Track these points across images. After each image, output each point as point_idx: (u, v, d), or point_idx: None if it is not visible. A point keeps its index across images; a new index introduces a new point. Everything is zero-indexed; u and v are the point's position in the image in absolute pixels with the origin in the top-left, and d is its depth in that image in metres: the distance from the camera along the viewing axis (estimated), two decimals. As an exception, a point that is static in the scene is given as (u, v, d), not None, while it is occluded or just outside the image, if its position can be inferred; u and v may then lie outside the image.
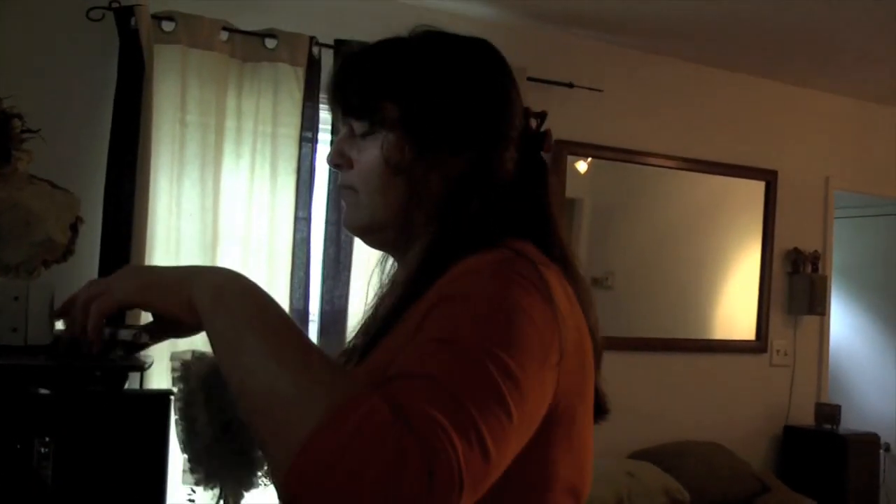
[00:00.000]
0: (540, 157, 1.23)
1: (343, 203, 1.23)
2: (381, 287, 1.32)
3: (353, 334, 1.30)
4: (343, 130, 1.21)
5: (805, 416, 5.13)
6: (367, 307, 1.32)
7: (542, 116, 1.24)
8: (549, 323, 1.00)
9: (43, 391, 1.15)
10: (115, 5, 3.34)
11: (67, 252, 1.41)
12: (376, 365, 1.02)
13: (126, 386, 1.16)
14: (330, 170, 3.81)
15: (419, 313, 1.01)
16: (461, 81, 1.17)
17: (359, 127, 1.18)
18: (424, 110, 1.15)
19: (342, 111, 1.20)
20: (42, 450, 1.12)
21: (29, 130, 1.35)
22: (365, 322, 1.28)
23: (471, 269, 1.03)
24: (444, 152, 1.15)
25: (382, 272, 1.34)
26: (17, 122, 1.34)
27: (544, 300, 1.01)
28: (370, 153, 1.16)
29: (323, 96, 3.72)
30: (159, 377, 3.28)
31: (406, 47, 1.19)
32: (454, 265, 1.06)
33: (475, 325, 0.94)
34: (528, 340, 0.96)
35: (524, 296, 0.99)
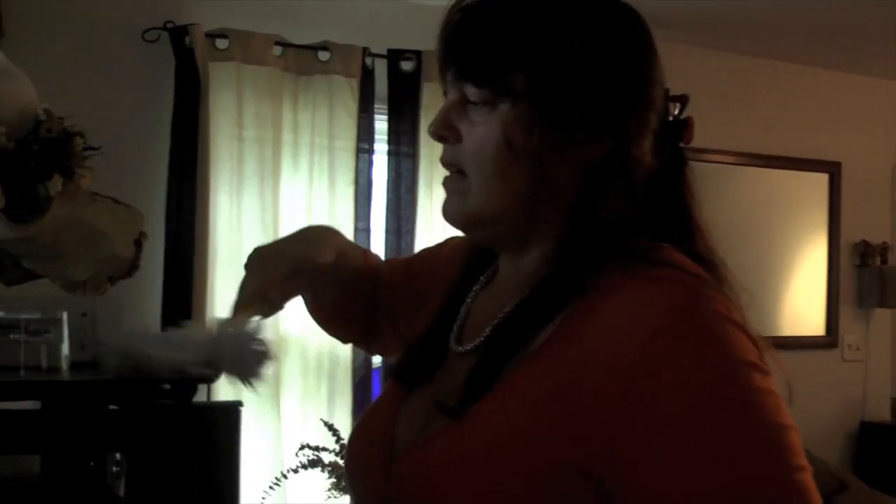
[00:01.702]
0: (680, 149, 1.06)
1: (444, 188, 1.04)
2: (476, 286, 1.12)
3: (430, 327, 1.13)
4: (452, 96, 1.01)
5: (881, 412, 5.02)
6: (448, 290, 1.15)
7: (683, 101, 1.06)
8: (775, 388, 0.88)
9: (113, 407, 1.15)
10: (169, 25, 3.38)
11: (132, 267, 1.41)
12: (508, 404, 0.92)
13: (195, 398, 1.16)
14: (387, 180, 3.83)
15: (582, 367, 0.88)
16: (603, 52, 0.97)
17: (475, 94, 0.97)
18: (560, 82, 0.95)
19: (457, 73, 0.99)
20: (115, 468, 1.11)
21: (90, 148, 1.36)
22: (458, 319, 1.10)
23: (657, 341, 0.85)
24: (579, 136, 0.96)
25: (475, 267, 1.14)
26: (78, 140, 1.34)
27: (755, 342, 0.90)
28: (487, 128, 0.97)
29: (378, 106, 3.73)
30: (225, 388, 3.30)
31: (543, 6, 0.98)
32: (603, 284, 0.92)
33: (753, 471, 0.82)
34: (794, 444, 0.86)
35: (757, 376, 0.86)
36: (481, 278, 1.12)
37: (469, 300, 1.11)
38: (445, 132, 1.01)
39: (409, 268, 1.35)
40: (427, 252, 1.38)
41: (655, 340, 0.85)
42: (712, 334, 0.86)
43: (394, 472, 1.01)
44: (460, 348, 1.05)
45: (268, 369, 1.07)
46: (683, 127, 1.06)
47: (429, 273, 1.26)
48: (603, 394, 0.86)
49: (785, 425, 0.85)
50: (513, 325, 0.97)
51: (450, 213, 1.03)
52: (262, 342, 1.06)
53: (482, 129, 0.97)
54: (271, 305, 1.19)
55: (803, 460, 0.85)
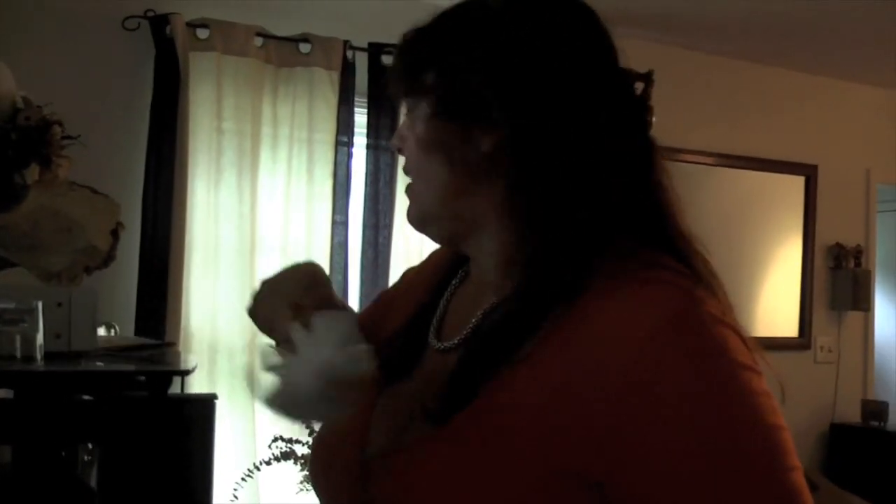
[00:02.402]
0: (646, 129, 1.02)
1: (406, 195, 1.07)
2: (454, 281, 1.11)
3: (397, 301, 1.16)
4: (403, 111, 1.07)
5: (851, 414, 5.06)
6: (424, 281, 1.15)
7: (647, 78, 1.03)
8: (768, 389, 0.88)
9: (87, 397, 1.15)
10: (150, 14, 3.36)
11: (109, 258, 1.41)
12: (499, 410, 0.89)
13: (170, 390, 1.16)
14: (366, 174, 3.82)
15: (565, 378, 0.86)
16: (505, 34, 0.96)
17: (407, 104, 1.03)
18: (455, 69, 0.96)
19: (393, 88, 1.04)
20: (86, 457, 1.11)
21: (69, 137, 1.35)
22: (437, 314, 1.08)
23: (655, 345, 0.84)
24: (477, 123, 0.95)
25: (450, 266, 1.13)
26: (56, 129, 1.34)
27: (746, 343, 0.90)
28: (412, 132, 1.01)
29: (359, 100, 3.72)
30: (200, 382, 3.29)
31: (460, 11, 1.01)
32: (592, 286, 0.90)
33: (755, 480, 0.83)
34: (788, 445, 0.86)
35: (753, 378, 0.87)
36: (460, 273, 1.11)
37: (446, 297, 1.09)
38: (398, 143, 1.05)
39: (384, 298, 1.30)
40: (409, 271, 1.32)
41: (652, 344, 0.84)
42: (708, 337, 0.86)
43: (372, 477, 0.97)
44: (439, 344, 1.03)
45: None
46: (644, 107, 1.02)
47: (412, 286, 1.21)
48: (600, 400, 0.84)
49: (779, 426, 0.86)
50: (497, 329, 0.94)
51: (407, 215, 1.06)
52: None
53: (409, 131, 1.02)
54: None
55: (796, 460, 0.86)
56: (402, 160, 1.07)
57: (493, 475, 0.87)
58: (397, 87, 1.03)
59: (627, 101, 1.01)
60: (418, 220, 1.04)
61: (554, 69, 0.95)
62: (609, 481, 0.85)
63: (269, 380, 0.91)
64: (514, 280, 0.96)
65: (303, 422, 0.92)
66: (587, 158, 0.94)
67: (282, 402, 0.91)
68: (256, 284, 1.15)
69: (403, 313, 1.13)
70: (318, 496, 1.09)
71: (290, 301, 1.06)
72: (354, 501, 0.98)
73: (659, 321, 0.85)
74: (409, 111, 1.02)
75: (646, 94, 1.02)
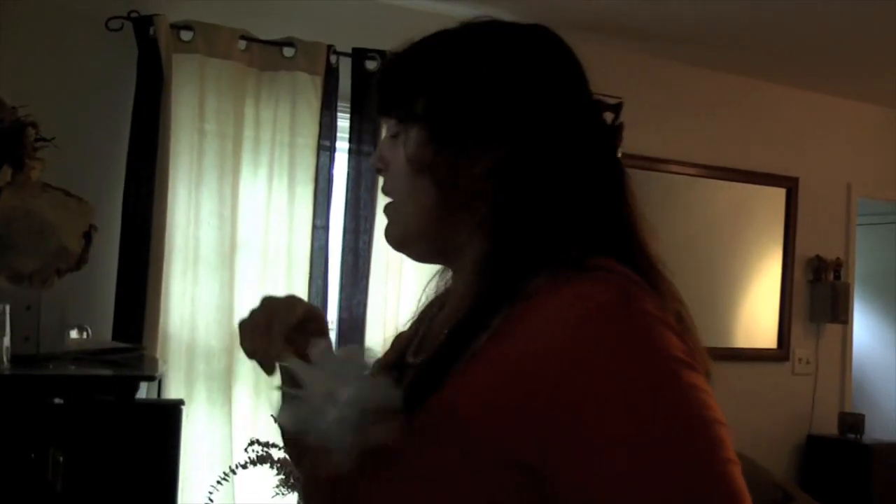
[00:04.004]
0: (615, 155, 1.07)
1: (384, 214, 1.12)
2: (435, 297, 1.20)
3: (394, 342, 1.22)
4: (384, 132, 1.12)
5: (828, 426, 5.08)
6: (414, 317, 1.22)
7: (617, 109, 1.08)
8: (701, 382, 0.90)
9: (57, 401, 1.15)
10: (133, 15, 3.35)
11: (81, 261, 1.40)
12: (453, 402, 0.94)
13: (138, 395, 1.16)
14: (347, 179, 3.82)
15: (516, 360, 0.91)
16: (492, 68, 1.03)
17: (392, 126, 1.08)
18: (447, 99, 1.03)
19: (379, 110, 1.10)
20: (60, 458, 1.11)
21: (42, 139, 1.35)
22: (418, 336, 1.16)
23: (586, 329, 0.88)
24: (470, 148, 1.02)
25: (443, 281, 1.20)
26: (30, 131, 1.34)
27: (684, 339, 0.92)
28: (399, 154, 1.06)
29: (341, 105, 3.73)
30: (177, 385, 3.28)
31: (446, 38, 1.07)
32: (536, 289, 0.95)
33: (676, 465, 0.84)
34: (719, 435, 0.87)
35: (683, 370, 0.88)
36: (439, 302, 1.18)
37: (427, 323, 1.17)
38: (378, 164, 1.10)
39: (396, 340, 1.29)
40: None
41: (580, 332, 0.89)
42: (638, 329, 0.89)
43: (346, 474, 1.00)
44: (414, 360, 1.10)
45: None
46: (615, 133, 1.07)
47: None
48: (536, 384, 0.88)
49: (712, 419, 0.88)
50: (455, 334, 1.00)
51: (386, 235, 1.11)
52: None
53: (397, 155, 1.06)
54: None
55: (731, 453, 0.87)
56: (381, 180, 1.12)
57: (447, 463, 0.93)
58: (384, 111, 1.09)
59: (600, 129, 1.07)
60: (399, 239, 1.10)
61: (539, 98, 1.03)
62: (542, 466, 0.88)
63: (296, 415, 0.93)
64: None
65: (336, 458, 0.91)
66: (564, 181, 1.02)
67: (315, 436, 0.92)
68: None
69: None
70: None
71: (285, 333, 1.10)
72: (329, 495, 1.05)
73: (590, 310, 0.90)
74: (395, 135, 1.07)
75: (615, 123, 1.08)
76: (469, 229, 1.04)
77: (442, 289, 1.20)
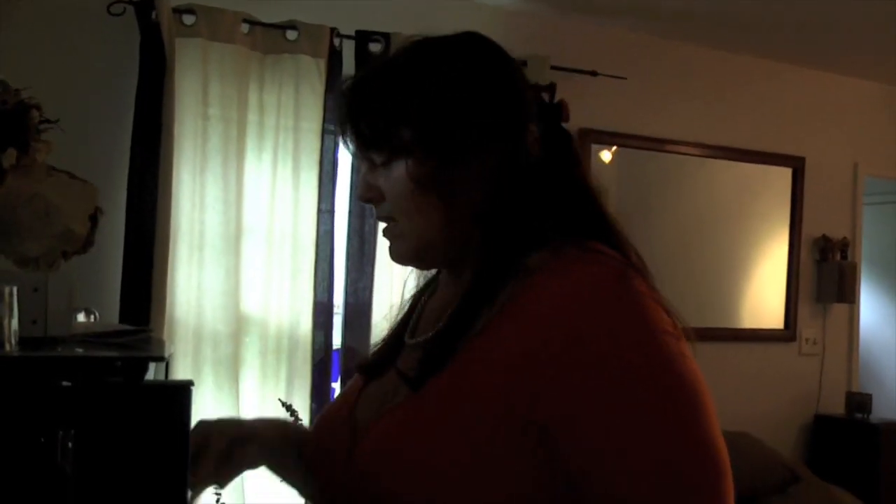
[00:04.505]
0: (562, 128, 1.21)
1: (385, 237, 1.21)
2: (423, 285, 1.33)
3: (389, 331, 1.31)
4: (363, 165, 1.20)
5: (836, 406, 5.08)
6: (404, 304, 1.33)
7: (550, 89, 1.25)
8: (688, 352, 1.05)
9: (66, 383, 1.14)
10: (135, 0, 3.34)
11: (87, 243, 1.39)
12: (466, 373, 1.06)
13: (147, 377, 1.15)
14: (353, 163, 3.81)
15: (519, 339, 1.04)
16: (463, 84, 1.14)
17: (378, 157, 1.16)
18: (436, 124, 1.13)
19: (358, 146, 1.18)
20: (69, 444, 1.11)
21: (47, 121, 1.34)
22: (412, 320, 1.27)
23: (590, 308, 1.03)
24: (468, 157, 1.14)
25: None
26: (35, 113, 1.33)
27: (670, 314, 1.06)
28: (396, 179, 1.15)
29: (345, 88, 3.70)
30: (184, 370, 3.28)
31: (401, 66, 1.17)
32: (538, 265, 1.08)
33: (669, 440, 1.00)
34: (704, 402, 1.03)
35: (672, 341, 1.03)
36: (431, 286, 1.30)
37: (420, 305, 1.28)
38: (370, 194, 1.18)
39: None
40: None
41: (588, 311, 1.02)
42: (634, 306, 1.03)
43: (356, 446, 1.15)
44: (413, 340, 1.22)
45: None
46: (559, 109, 1.21)
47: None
48: (546, 359, 1.01)
49: (694, 384, 1.02)
50: (460, 312, 1.11)
51: (396, 255, 1.21)
52: None
53: (394, 182, 1.15)
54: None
55: (710, 413, 1.02)
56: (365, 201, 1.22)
57: (459, 424, 1.04)
58: (367, 147, 1.16)
59: (546, 110, 1.21)
60: (412, 255, 1.20)
61: (502, 99, 1.16)
62: (551, 423, 1.01)
63: None
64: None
65: None
66: (536, 166, 1.16)
67: None
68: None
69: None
70: (315, 480, 1.26)
71: (211, 463, 1.27)
72: (344, 470, 1.15)
73: (594, 293, 1.03)
74: (383, 164, 1.15)
75: (554, 102, 1.25)
76: (470, 230, 1.15)
77: (425, 278, 1.33)
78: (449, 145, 1.13)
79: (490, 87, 1.15)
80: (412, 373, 1.11)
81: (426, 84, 1.14)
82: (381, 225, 1.22)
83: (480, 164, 1.13)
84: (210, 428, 1.31)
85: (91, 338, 1.32)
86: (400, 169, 1.14)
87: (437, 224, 1.15)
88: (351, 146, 1.19)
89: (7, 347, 1.10)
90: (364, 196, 1.19)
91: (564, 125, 1.22)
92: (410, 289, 1.35)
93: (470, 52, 1.18)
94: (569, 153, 1.20)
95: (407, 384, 1.11)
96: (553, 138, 1.19)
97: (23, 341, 1.16)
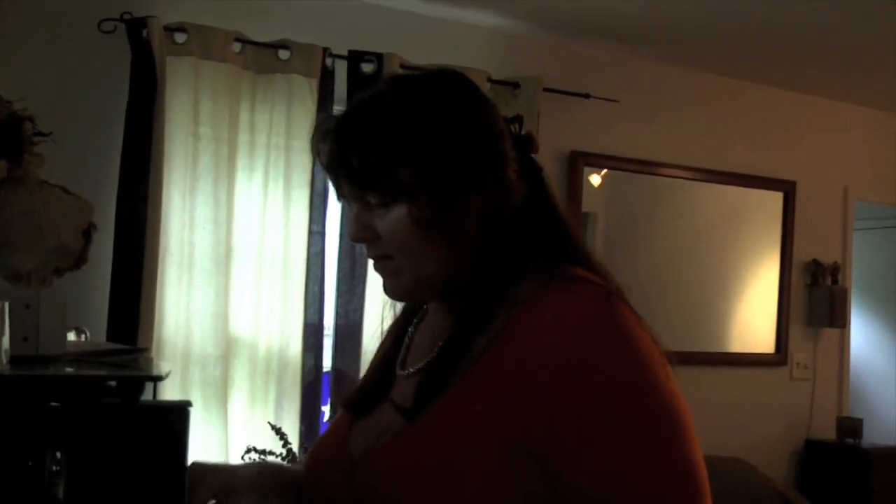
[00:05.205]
0: (532, 159, 1.23)
1: (379, 273, 1.21)
2: (404, 314, 1.32)
3: (376, 358, 1.31)
4: (355, 205, 1.18)
5: (827, 430, 5.05)
6: (385, 334, 1.33)
7: (518, 120, 1.23)
8: (672, 377, 1.08)
9: (54, 404, 1.10)
10: (126, 17, 3.31)
11: (80, 260, 1.36)
12: (463, 402, 1.08)
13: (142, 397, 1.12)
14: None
15: (512, 367, 1.06)
16: (456, 124, 1.15)
17: (373, 198, 1.15)
18: (436, 164, 1.13)
19: (355, 189, 1.16)
20: (54, 467, 1.07)
21: (40, 133, 1.31)
22: (401, 352, 1.27)
23: (580, 336, 1.05)
24: (466, 195, 1.14)
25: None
26: (28, 125, 1.29)
27: (651, 337, 1.10)
28: (395, 219, 1.14)
29: (337, 108, 3.69)
30: (172, 390, 3.23)
31: (390, 107, 1.16)
32: (528, 295, 1.10)
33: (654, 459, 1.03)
34: (688, 427, 1.06)
35: (659, 368, 1.07)
36: (413, 320, 1.30)
37: (408, 337, 1.28)
38: (366, 234, 1.17)
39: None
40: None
41: (577, 339, 1.05)
42: (621, 333, 1.06)
43: (355, 482, 1.15)
44: (404, 372, 1.22)
45: None
46: (529, 141, 1.22)
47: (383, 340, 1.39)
48: (540, 385, 1.03)
49: (679, 411, 1.06)
50: (453, 343, 1.13)
51: (393, 292, 1.21)
52: None
53: (392, 221, 1.14)
54: None
55: (692, 438, 1.06)
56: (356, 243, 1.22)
57: (458, 452, 1.05)
58: (362, 190, 1.15)
59: (518, 141, 1.22)
60: (411, 292, 1.20)
61: (488, 134, 1.17)
62: (548, 452, 1.03)
63: None
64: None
65: None
66: (519, 198, 1.17)
67: None
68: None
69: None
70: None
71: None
72: (345, 494, 1.16)
73: (584, 322, 1.06)
74: (379, 205, 1.14)
75: (522, 133, 1.23)
76: (468, 264, 1.15)
77: (405, 307, 1.32)
78: (449, 185, 1.13)
79: (480, 125, 1.17)
80: (408, 403, 1.12)
81: (422, 124, 1.14)
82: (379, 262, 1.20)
83: (478, 201, 1.14)
84: (202, 474, 1.28)
85: (84, 356, 1.28)
86: (400, 210, 1.13)
87: (438, 261, 1.15)
88: (343, 188, 1.17)
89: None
90: (357, 237, 1.18)
91: (535, 156, 1.24)
92: (388, 318, 1.34)
93: (456, 91, 1.19)
94: (541, 183, 1.21)
95: (403, 416, 1.12)
96: (526, 169, 1.20)
97: (14, 360, 1.12)
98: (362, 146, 1.14)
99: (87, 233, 1.36)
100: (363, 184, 1.14)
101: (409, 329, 1.29)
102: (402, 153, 1.13)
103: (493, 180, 1.15)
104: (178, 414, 1.06)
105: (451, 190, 1.13)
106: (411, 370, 1.20)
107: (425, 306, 1.30)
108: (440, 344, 1.15)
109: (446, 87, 1.19)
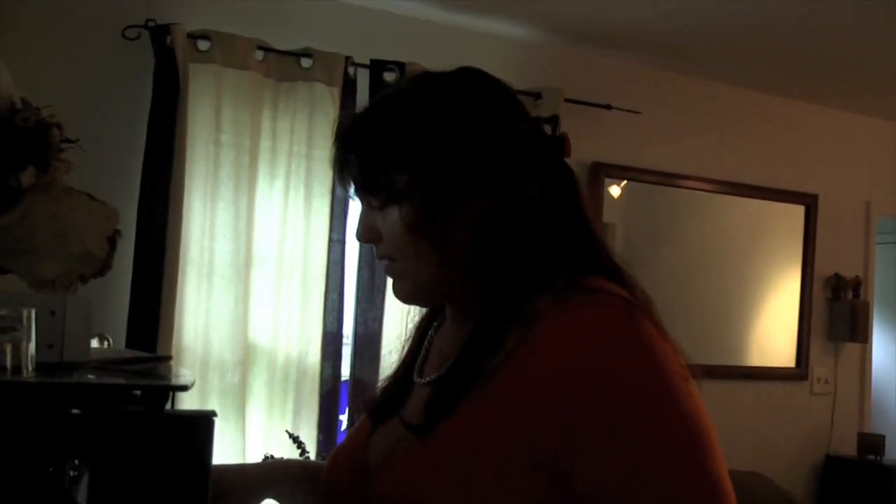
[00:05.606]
0: (563, 162, 1.20)
1: (387, 275, 1.22)
2: (428, 314, 1.32)
3: (397, 365, 1.30)
4: (363, 205, 1.20)
5: (847, 446, 5.01)
6: (409, 335, 1.32)
7: (553, 121, 1.23)
8: (696, 392, 1.06)
9: (81, 411, 1.09)
10: (150, 24, 3.32)
11: (105, 266, 1.36)
12: (481, 415, 1.07)
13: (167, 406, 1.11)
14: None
15: (529, 384, 1.04)
16: (457, 127, 1.13)
17: (374, 200, 1.16)
18: (430, 169, 1.12)
19: (359, 191, 1.18)
20: (72, 473, 1.06)
21: (68, 140, 1.31)
22: (420, 356, 1.26)
23: (599, 349, 1.03)
24: (461, 200, 1.13)
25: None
26: (55, 132, 1.29)
27: (674, 350, 1.07)
28: (393, 222, 1.14)
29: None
30: (191, 398, 3.23)
31: (396, 108, 1.16)
32: (544, 310, 1.07)
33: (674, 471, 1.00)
34: (711, 440, 1.03)
35: (680, 381, 1.04)
36: (434, 323, 1.29)
37: (426, 342, 1.28)
38: (371, 235, 1.18)
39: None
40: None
41: (596, 354, 1.03)
42: (643, 349, 1.04)
43: (370, 491, 1.15)
44: (421, 380, 1.22)
45: None
46: (561, 143, 1.19)
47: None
48: (560, 387, 1.02)
49: (702, 423, 1.03)
50: (462, 362, 1.11)
51: (397, 295, 1.21)
52: None
53: (391, 224, 1.14)
54: None
55: (717, 452, 1.02)
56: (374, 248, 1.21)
57: (470, 469, 1.04)
58: (365, 191, 1.16)
59: (547, 144, 1.19)
60: (412, 294, 1.20)
61: (501, 139, 1.14)
62: (564, 465, 1.01)
63: None
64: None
65: None
66: (536, 208, 1.15)
67: None
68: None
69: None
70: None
71: None
72: (358, 502, 1.16)
73: (601, 335, 1.04)
74: (379, 207, 1.15)
75: (557, 134, 1.20)
76: (467, 269, 1.14)
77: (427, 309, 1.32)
78: (443, 190, 1.12)
79: (485, 128, 1.14)
80: (419, 418, 1.12)
81: (420, 129, 1.13)
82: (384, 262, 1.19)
83: (474, 207, 1.13)
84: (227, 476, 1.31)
85: (108, 364, 1.28)
86: (395, 213, 1.14)
87: (432, 266, 1.14)
88: (349, 189, 1.19)
89: (24, 373, 1.06)
90: (364, 237, 1.19)
91: (567, 160, 1.20)
92: (413, 318, 1.34)
93: (466, 90, 1.17)
94: (570, 188, 1.18)
95: (412, 432, 1.12)
96: (554, 173, 1.17)
97: (39, 366, 1.12)
98: (362, 147, 1.15)
99: (112, 239, 1.36)
100: (363, 185, 1.16)
101: (430, 332, 1.29)
102: (400, 157, 1.13)
103: (497, 186, 1.13)
104: (202, 423, 1.05)
105: (443, 196, 1.12)
106: (426, 379, 1.20)
107: (445, 308, 1.29)
108: (451, 359, 1.14)
109: (467, 87, 1.18)
